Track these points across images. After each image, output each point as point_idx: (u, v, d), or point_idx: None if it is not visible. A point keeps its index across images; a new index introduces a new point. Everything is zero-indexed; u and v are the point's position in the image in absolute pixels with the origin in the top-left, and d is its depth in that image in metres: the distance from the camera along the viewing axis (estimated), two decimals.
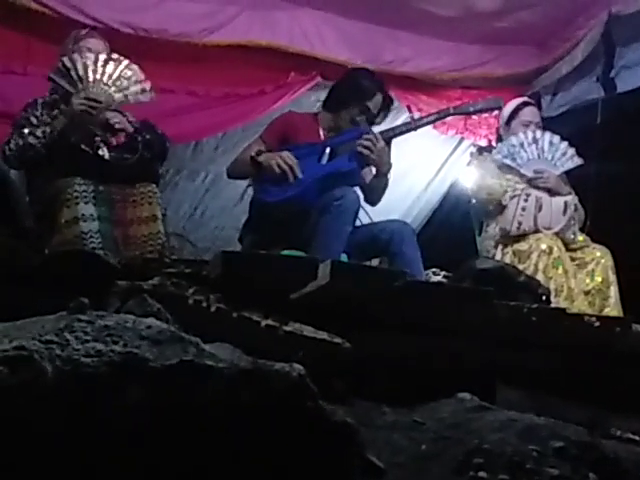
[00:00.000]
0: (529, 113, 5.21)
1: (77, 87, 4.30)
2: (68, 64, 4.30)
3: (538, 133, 5.04)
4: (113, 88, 4.33)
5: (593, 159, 5.36)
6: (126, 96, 4.36)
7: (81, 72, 4.30)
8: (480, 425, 1.98)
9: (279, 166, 4.40)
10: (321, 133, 4.71)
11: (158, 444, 1.52)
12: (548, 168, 4.96)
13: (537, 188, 4.91)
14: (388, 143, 4.58)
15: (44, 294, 2.20)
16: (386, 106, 4.74)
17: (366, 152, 4.45)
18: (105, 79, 4.33)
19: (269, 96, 5.67)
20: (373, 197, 4.68)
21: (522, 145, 5.00)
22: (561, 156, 4.98)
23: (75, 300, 1.84)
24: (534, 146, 4.99)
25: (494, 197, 4.99)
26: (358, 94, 4.66)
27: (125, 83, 4.37)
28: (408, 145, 4.92)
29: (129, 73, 4.40)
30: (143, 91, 4.42)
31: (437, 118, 5.00)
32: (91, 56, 4.36)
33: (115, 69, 4.37)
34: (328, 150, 4.58)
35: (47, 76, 4.45)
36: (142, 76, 4.43)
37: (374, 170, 4.61)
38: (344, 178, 4.43)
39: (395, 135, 4.71)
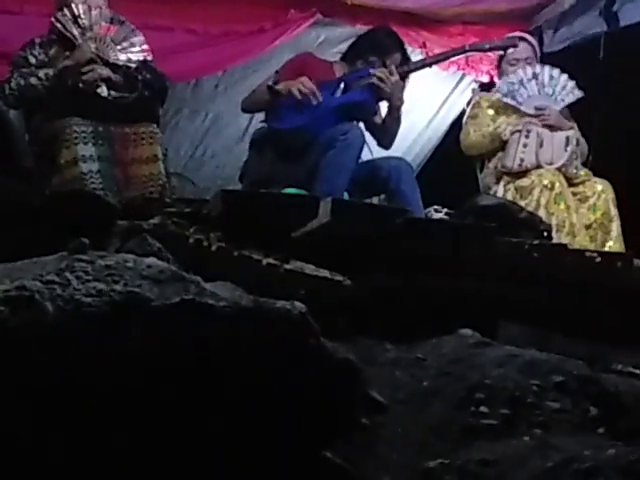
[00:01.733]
0: (517, 50, 5.14)
1: (85, 35, 4.32)
2: (76, 11, 4.32)
3: (537, 68, 5.00)
4: (119, 47, 4.36)
5: (596, 94, 5.32)
6: (129, 59, 4.39)
7: (89, 22, 4.33)
8: (481, 361, 1.98)
9: (300, 91, 4.39)
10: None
11: (159, 383, 1.53)
12: (549, 103, 4.93)
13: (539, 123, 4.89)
14: (403, 79, 4.59)
15: (44, 234, 2.20)
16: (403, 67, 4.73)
17: (381, 84, 4.46)
18: (112, 36, 4.37)
19: (269, 33, 5.61)
20: (386, 139, 4.69)
21: (521, 82, 4.96)
22: (561, 90, 4.95)
23: (76, 240, 1.84)
24: (534, 82, 4.96)
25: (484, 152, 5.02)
26: (378, 49, 4.66)
27: (129, 47, 4.40)
28: (409, 83, 4.89)
29: (135, 39, 4.44)
30: (145, 59, 4.46)
31: (452, 54, 5.03)
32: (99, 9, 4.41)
33: (122, 31, 4.41)
34: (342, 85, 4.58)
35: (44, 15, 4.45)
36: (146, 45, 4.45)
37: (385, 109, 4.62)
38: (357, 109, 4.48)
39: (410, 70, 4.74)
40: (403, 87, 4.61)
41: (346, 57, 4.83)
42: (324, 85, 4.52)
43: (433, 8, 5.94)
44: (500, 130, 4.93)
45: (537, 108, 4.92)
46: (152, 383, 1.53)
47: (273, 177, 4.32)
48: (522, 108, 4.95)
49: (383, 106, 4.69)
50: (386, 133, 4.67)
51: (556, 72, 4.98)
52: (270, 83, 4.54)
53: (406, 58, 4.77)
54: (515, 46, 5.06)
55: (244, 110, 4.87)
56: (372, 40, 4.75)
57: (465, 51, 5.02)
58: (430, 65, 4.96)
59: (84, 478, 1.49)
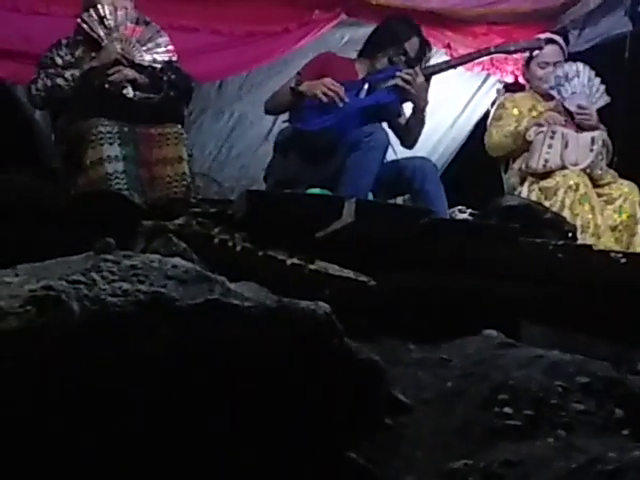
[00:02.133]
0: (547, 53, 5.12)
1: (110, 36, 4.34)
2: (102, 12, 4.34)
3: (580, 66, 4.97)
4: (144, 48, 4.37)
5: (621, 94, 5.29)
6: (155, 60, 4.40)
7: (114, 23, 4.35)
8: (505, 361, 1.98)
9: (324, 93, 4.38)
10: (359, 77, 4.69)
11: (184, 382, 1.54)
12: (588, 103, 4.90)
13: (564, 124, 4.87)
14: (427, 80, 4.57)
15: (70, 235, 2.21)
16: (424, 51, 4.70)
17: (406, 86, 4.44)
18: (138, 37, 4.38)
19: (294, 34, 5.61)
20: (409, 139, 4.66)
21: (567, 77, 4.93)
22: (595, 92, 4.92)
23: (101, 240, 1.85)
24: (576, 79, 4.92)
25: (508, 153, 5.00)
26: (395, 37, 4.63)
27: (155, 48, 4.41)
28: (434, 83, 4.88)
29: (160, 40, 4.44)
30: (170, 60, 4.46)
31: (477, 56, 5.01)
32: (125, 10, 4.42)
33: (148, 31, 4.42)
34: (366, 86, 4.57)
35: (70, 16, 4.47)
36: (171, 46, 4.46)
37: (409, 111, 4.61)
38: (383, 111, 4.46)
39: (435, 72, 4.70)
40: (428, 88, 4.59)
41: (364, 52, 4.80)
42: (348, 86, 4.50)
43: (457, 8, 5.91)
44: (521, 129, 4.91)
45: (579, 106, 4.90)
46: (177, 382, 1.54)
47: (297, 178, 4.31)
48: (565, 103, 4.93)
49: (407, 106, 4.68)
50: (410, 133, 4.65)
51: (593, 74, 4.95)
52: (292, 84, 4.53)
53: (425, 42, 4.74)
54: (540, 48, 5.04)
55: (267, 112, 4.86)
56: (387, 30, 4.71)
57: (490, 53, 5.00)
58: (455, 67, 4.95)
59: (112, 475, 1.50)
